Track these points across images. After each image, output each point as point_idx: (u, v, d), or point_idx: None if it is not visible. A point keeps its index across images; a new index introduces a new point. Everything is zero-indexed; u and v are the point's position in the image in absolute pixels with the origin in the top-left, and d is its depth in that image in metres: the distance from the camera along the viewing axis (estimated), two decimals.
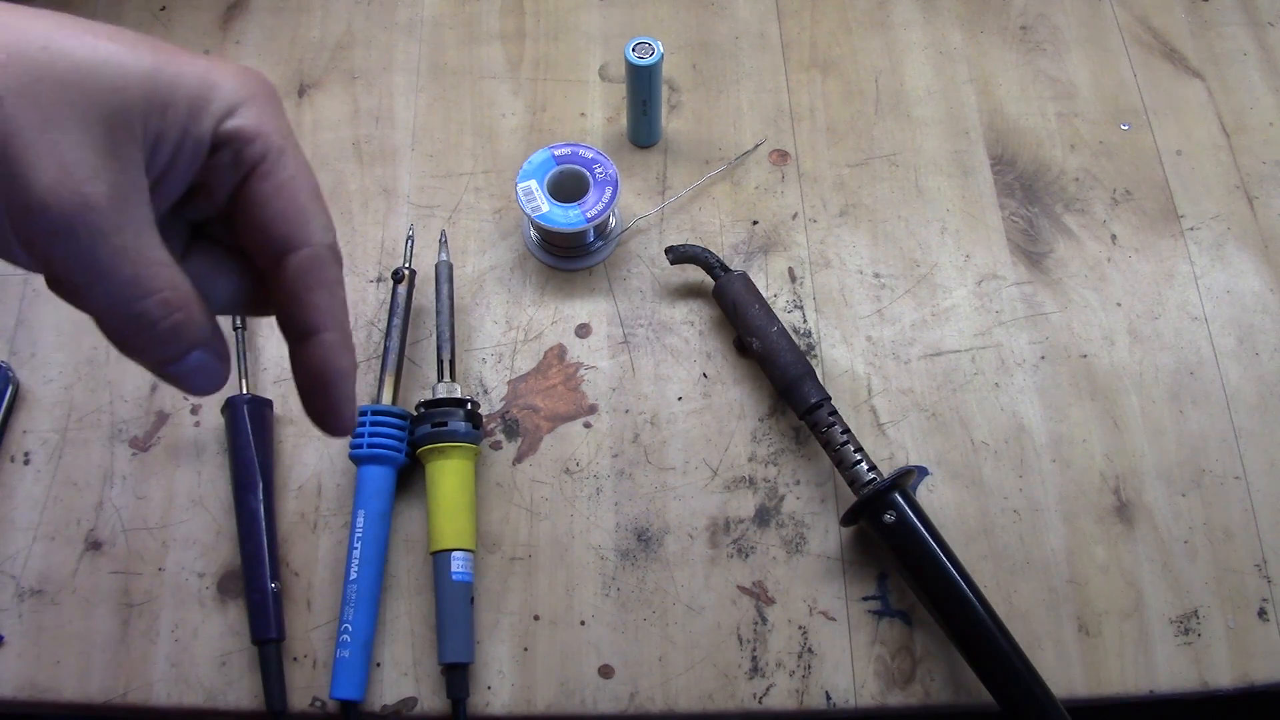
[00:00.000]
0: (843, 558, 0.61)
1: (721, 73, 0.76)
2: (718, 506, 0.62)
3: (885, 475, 0.59)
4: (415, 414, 0.61)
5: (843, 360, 0.66)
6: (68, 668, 0.58)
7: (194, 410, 0.64)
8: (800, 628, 0.59)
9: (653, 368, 0.65)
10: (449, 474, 0.59)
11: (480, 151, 0.73)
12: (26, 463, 0.63)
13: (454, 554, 0.58)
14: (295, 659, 0.58)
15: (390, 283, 0.64)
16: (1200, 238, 0.70)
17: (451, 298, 0.64)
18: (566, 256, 0.68)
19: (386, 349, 0.62)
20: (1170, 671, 0.58)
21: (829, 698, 0.58)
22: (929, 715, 0.59)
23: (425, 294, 0.66)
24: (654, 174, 0.72)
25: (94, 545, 0.61)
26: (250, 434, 0.60)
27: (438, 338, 0.63)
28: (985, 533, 0.61)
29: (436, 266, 0.65)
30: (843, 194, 0.71)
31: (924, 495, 0.62)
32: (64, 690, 0.57)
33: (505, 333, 0.66)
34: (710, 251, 0.65)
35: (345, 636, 0.56)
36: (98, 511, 0.61)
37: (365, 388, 0.65)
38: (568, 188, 0.66)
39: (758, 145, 0.73)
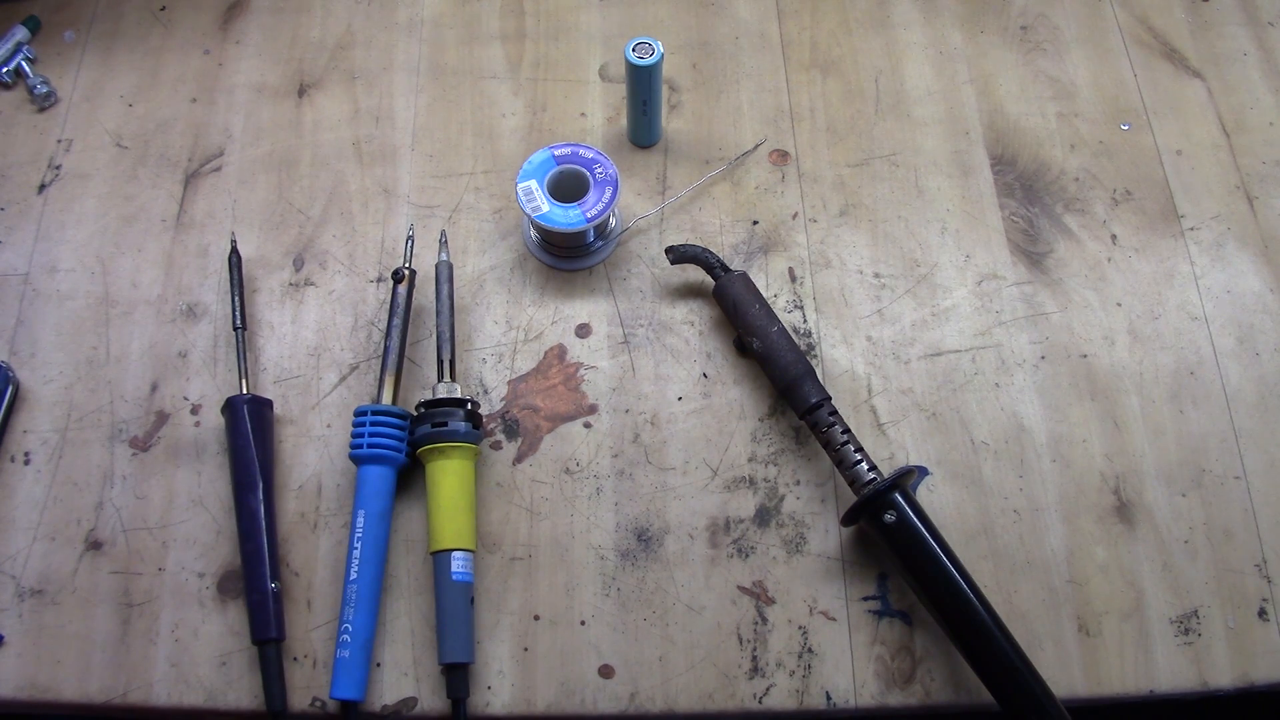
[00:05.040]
0: (843, 558, 0.61)
1: (721, 73, 0.76)
2: (718, 506, 0.62)
3: (885, 475, 0.59)
4: (415, 414, 0.61)
5: (843, 360, 0.66)
6: (68, 668, 0.58)
7: (194, 410, 0.64)
8: (800, 628, 0.59)
9: (653, 368, 0.65)
10: (449, 474, 0.59)
11: (480, 151, 0.73)
12: (26, 463, 0.63)
13: (454, 554, 0.58)
14: (295, 659, 0.58)
15: (390, 283, 0.64)
16: (1200, 238, 0.70)
17: (451, 298, 0.64)
18: (566, 256, 0.68)
19: (386, 349, 0.62)
20: (1170, 671, 0.58)
21: (829, 698, 0.58)
22: (929, 715, 0.59)
23: (425, 294, 0.66)
24: (654, 174, 0.72)
25: (94, 545, 0.61)
26: (250, 434, 0.60)
27: (438, 338, 0.63)
28: (985, 533, 0.61)
29: (436, 266, 0.65)
30: (843, 194, 0.71)
31: (924, 495, 0.62)
32: (64, 690, 0.57)
33: (505, 333, 0.66)
34: (710, 251, 0.65)
35: (345, 636, 0.56)
36: (98, 511, 0.61)
37: (365, 388, 0.65)
38: (568, 188, 0.66)
39: (758, 145, 0.73)
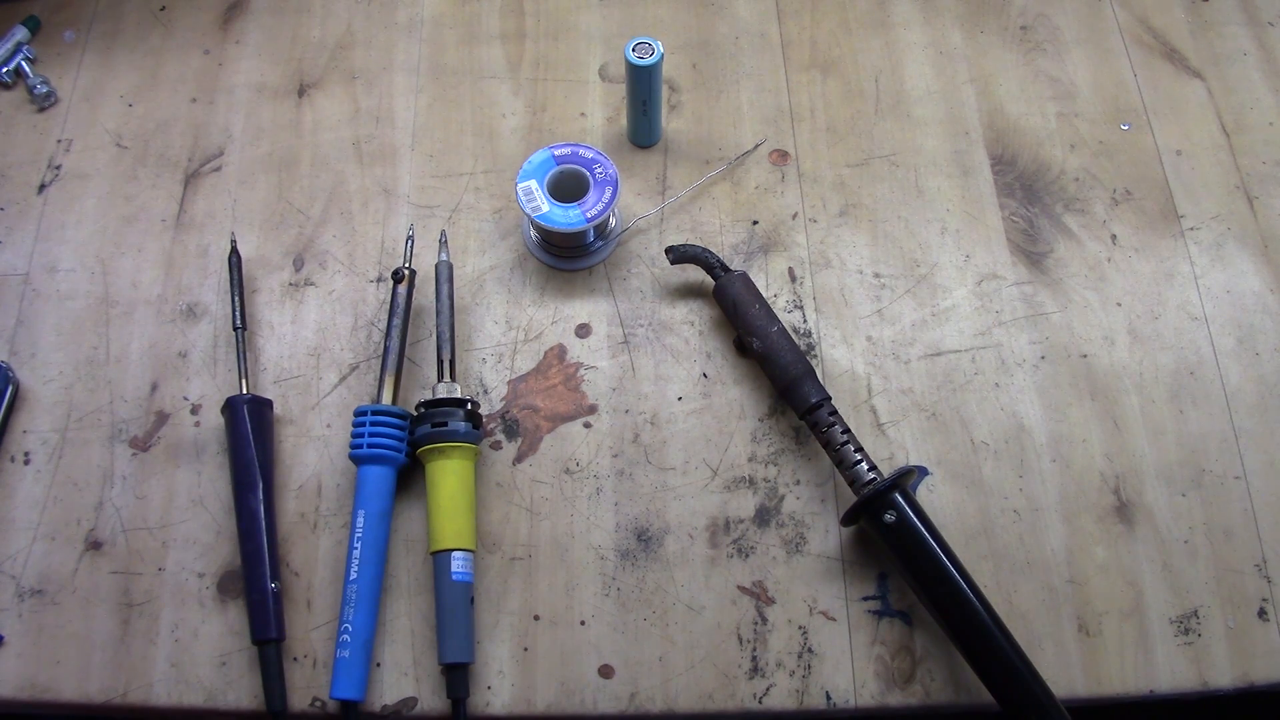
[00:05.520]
0: (843, 558, 0.61)
1: (721, 73, 0.76)
2: (718, 506, 0.62)
3: (885, 475, 0.59)
4: (415, 414, 0.61)
5: (843, 360, 0.66)
6: (68, 668, 0.58)
7: (194, 410, 0.64)
8: (800, 628, 0.59)
9: (653, 368, 0.65)
10: (449, 474, 0.59)
11: (480, 151, 0.73)
12: (26, 463, 0.63)
13: (454, 554, 0.58)
14: (295, 659, 0.58)
15: (390, 283, 0.64)
16: (1200, 238, 0.70)
17: (451, 298, 0.64)
18: (566, 256, 0.68)
19: (386, 349, 0.62)
20: (1170, 671, 0.58)
21: (829, 698, 0.58)
22: (929, 715, 0.59)
23: (425, 294, 0.66)
24: (654, 174, 0.72)
25: (94, 545, 0.61)
26: (250, 434, 0.60)
27: (438, 338, 0.63)
28: (985, 533, 0.61)
29: (436, 266, 0.65)
30: (843, 194, 0.71)
31: (924, 495, 0.62)
32: (64, 690, 0.57)
33: (505, 333, 0.66)
34: (710, 251, 0.65)
35: (345, 636, 0.56)
36: (98, 511, 0.61)
37: (365, 388, 0.65)
38: (568, 188, 0.66)
39: (758, 145, 0.73)
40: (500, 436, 0.63)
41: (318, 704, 0.57)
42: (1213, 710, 0.71)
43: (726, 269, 0.65)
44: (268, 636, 0.57)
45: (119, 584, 0.60)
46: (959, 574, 0.55)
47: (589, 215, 0.64)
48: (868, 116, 0.74)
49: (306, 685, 0.57)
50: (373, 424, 0.60)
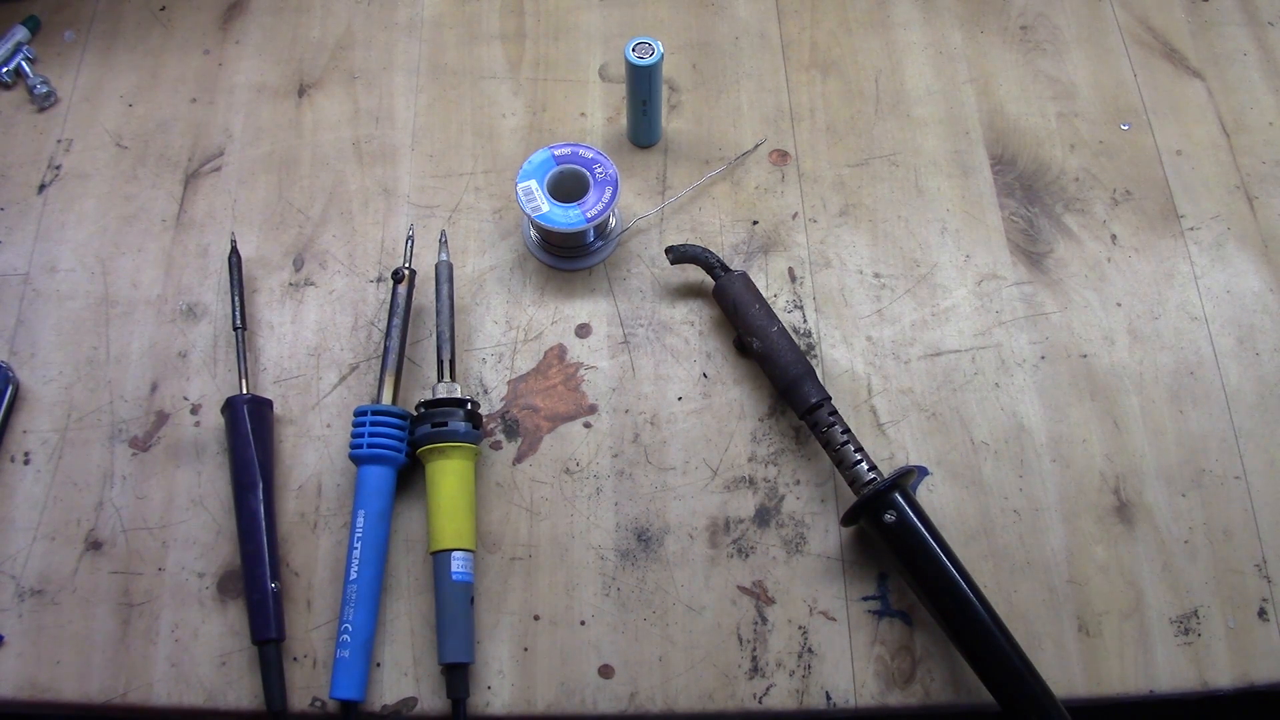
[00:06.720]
0: (843, 558, 0.61)
1: (721, 73, 0.76)
2: (718, 506, 0.62)
3: (885, 475, 0.59)
4: (415, 414, 0.61)
5: (843, 360, 0.66)
6: (68, 668, 0.58)
7: (194, 410, 0.64)
8: (800, 628, 0.59)
9: (653, 368, 0.65)
10: (449, 474, 0.59)
11: (480, 151, 0.73)
12: (26, 463, 0.63)
13: (454, 554, 0.58)
14: (295, 659, 0.58)
15: (390, 283, 0.64)
16: (1200, 238, 0.70)
17: (451, 298, 0.64)
18: (566, 256, 0.68)
19: (386, 349, 0.62)
20: (1170, 671, 0.58)
21: (829, 698, 0.58)
22: (929, 715, 0.59)
23: (425, 294, 0.66)
24: (654, 174, 0.72)
25: (94, 545, 0.61)
26: (250, 434, 0.60)
27: (438, 338, 0.63)
28: (985, 533, 0.61)
29: (436, 266, 0.65)
30: (843, 194, 0.71)
31: (924, 495, 0.62)
32: (64, 690, 0.57)
33: (505, 333, 0.66)
34: (710, 251, 0.65)
35: (345, 636, 0.56)
36: (98, 511, 0.61)
37: (365, 388, 0.65)
38: (568, 188, 0.66)
39: (758, 145, 0.73)
40: (500, 436, 0.63)
41: (318, 704, 0.57)
42: (1213, 710, 0.71)
43: (726, 269, 0.65)
44: (268, 636, 0.57)
45: (119, 584, 0.60)
46: (959, 574, 0.55)
47: (589, 215, 0.64)
48: (868, 116, 0.74)
49: (306, 685, 0.57)
50: (373, 424, 0.60)
